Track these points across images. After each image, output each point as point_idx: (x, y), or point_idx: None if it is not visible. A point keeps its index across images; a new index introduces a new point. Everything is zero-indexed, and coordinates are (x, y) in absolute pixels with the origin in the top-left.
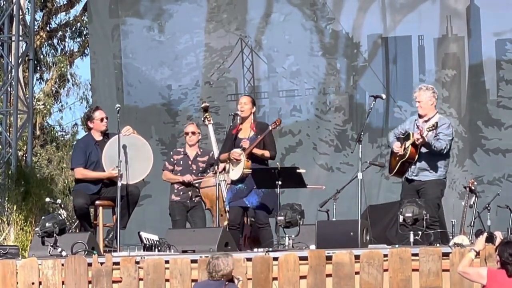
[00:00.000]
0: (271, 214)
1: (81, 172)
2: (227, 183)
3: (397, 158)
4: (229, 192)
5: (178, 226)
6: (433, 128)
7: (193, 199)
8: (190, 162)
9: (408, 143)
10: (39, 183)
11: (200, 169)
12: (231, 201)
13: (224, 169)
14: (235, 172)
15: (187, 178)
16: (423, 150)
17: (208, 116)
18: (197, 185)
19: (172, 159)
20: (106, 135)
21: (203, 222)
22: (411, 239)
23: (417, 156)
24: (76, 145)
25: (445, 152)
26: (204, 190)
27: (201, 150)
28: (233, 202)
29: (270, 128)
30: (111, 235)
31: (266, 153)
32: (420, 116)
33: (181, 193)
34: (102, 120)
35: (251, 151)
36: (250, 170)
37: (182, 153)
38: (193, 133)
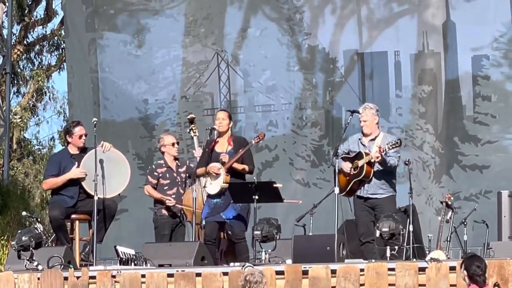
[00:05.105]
0: (246, 230)
1: (48, 182)
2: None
3: (348, 178)
4: (206, 207)
5: (165, 241)
6: (397, 145)
7: (181, 214)
8: (175, 175)
9: (361, 162)
10: (18, 197)
11: (184, 180)
12: (207, 216)
13: (205, 186)
14: (214, 187)
15: (170, 203)
16: (375, 168)
17: (194, 128)
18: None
19: (155, 173)
20: (83, 149)
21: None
22: (388, 254)
23: (372, 174)
24: (50, 158)
25: (395, 168)
26: (186, 203)
27: (179, 161)
28: (210, 217)
29: (253, 142)
30: (87, 249)
31: (246, 168)
32: (364, 135)
33: (170, 208)
34: (81, 137)
35: (231, 165)
36: (228, 185)
37: (164, 165)
38: (178, 143)
